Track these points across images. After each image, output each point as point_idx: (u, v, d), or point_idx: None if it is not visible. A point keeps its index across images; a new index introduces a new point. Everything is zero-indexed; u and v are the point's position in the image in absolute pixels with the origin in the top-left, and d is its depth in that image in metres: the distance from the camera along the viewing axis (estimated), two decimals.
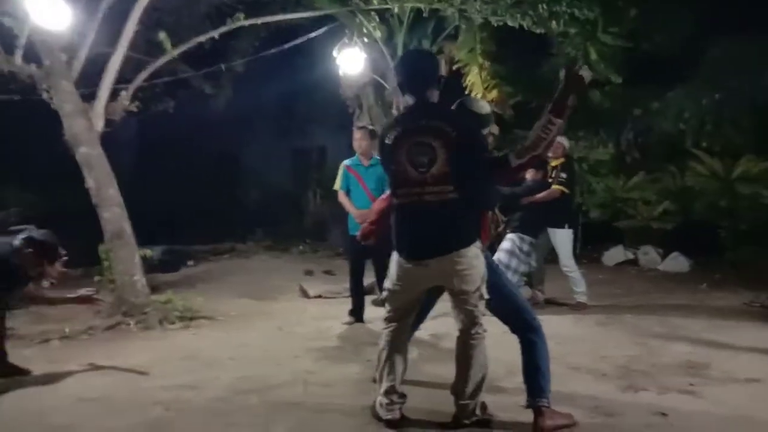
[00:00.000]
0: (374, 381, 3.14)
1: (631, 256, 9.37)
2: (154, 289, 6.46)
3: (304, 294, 7.38)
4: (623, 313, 5.70)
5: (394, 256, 2.90)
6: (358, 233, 3.72)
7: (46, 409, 3.33)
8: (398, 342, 2.99)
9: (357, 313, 5.60)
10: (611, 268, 9.13)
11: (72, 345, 4.98)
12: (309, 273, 9.16)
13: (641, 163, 10.15)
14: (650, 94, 9.60)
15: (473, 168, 2.71)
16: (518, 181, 5.35)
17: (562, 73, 2.77)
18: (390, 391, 2.95)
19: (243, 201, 15.07)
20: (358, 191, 5.52)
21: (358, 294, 5.66)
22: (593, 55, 7.10)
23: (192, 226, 12.87)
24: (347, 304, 5.73)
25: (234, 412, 3.27)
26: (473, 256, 2.76)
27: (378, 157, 5.76)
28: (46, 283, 3.99)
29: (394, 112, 10.06)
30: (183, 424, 3.11)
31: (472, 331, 2.85)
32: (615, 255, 9.51)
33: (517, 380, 3.35)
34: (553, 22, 6.40)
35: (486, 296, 2.81)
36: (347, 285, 5.97)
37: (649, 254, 9.15)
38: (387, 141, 2.81)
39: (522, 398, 3.04)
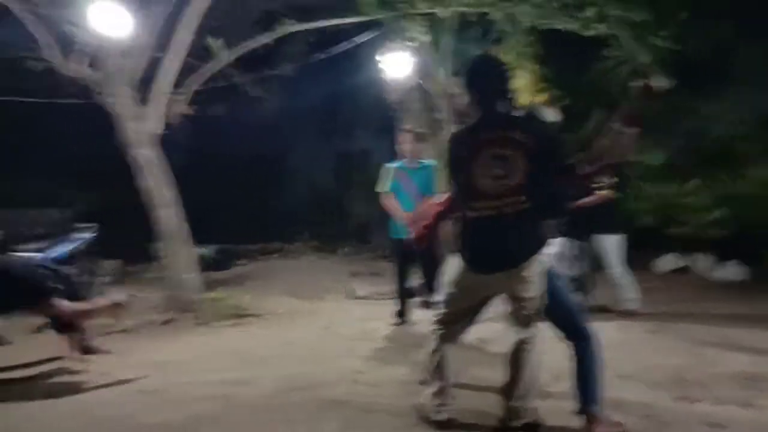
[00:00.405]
0: (422, 383, 3.16)
1: (683, 263, 9.10)
2: (206, 286, 6.66)
3: (350, 295, 7.47)
4: (675, 321, 5.54)
5: (458, 264, 2.85)
6: (411, 237, 3.72)
7: (108, 400, 3.50)
8: (450, 344, 2.98)
9: (403, 315, 5.63)
10: (662, 276, 8.89)
11: (130, 338, 5.20)
12: (355, 274, 9.26)
13: (695, 168, 9.83)
14: (704, 97, 9.31)
15: (548, 177, 2.67)
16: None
17: (636, 83, 2.72)
18: (440, 393, 2.95)
19: (290, 202, 15.33)
20: (404, 194, 5.55)
21: (404, 296, 5.69)
22: (644, 59, 6.95)
23: (241, 226, 13.20)
24: (393, 306, 5.77)
25: (285, 408, 3.34)
26: (540, 262, 2.76)
27: (424, 161, 5.80)
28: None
29: (438, 116, 10.08)
30: (236, 418, 3.20)
31: (528, 336, 2.83)
32: (666, 262, 9.26)
33: (565, 385, 3.32)
34: (603, 26, 6.29)
35: (545, 301, 2.79)
36: (393, 287, 6.02)
37: (702, 262, 8.87)
38: (462, 153, 2.72)
39: (570, 404, 3.01)
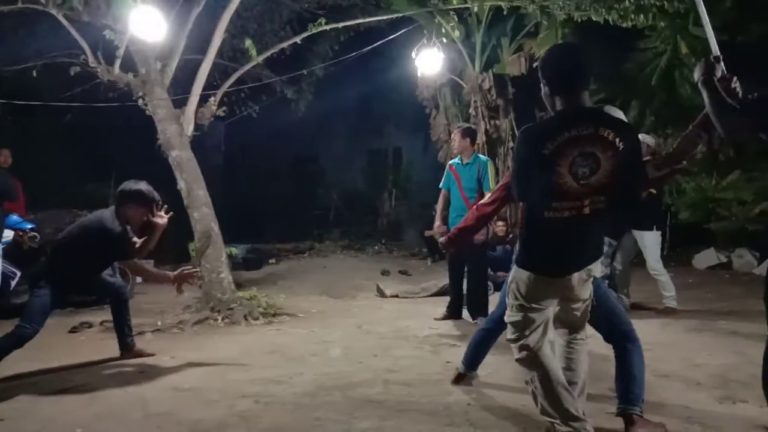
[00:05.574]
0: (543, 414, 2.66)
1: (723, 259, 8.87)
2: (239, 286, 6.74)
3: (381, 293, 7.48)
4: (717, 319, 5.39)
5: (522, 274, 2.62)
6: (442, 239, 3.68)
7: (148, 398, 3.55)
8: (552, 363, 2.66)
9: (454, 309, 5.66)
10: (702, 272, 8.67)
11: (164, 337, 5.28)
12: (385, 273, 9.28)
13: (736, 161, 9.57)
14: (746, 88, 9.01)
15: (629, 178, 2.49)
16: None
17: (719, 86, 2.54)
18: (568, 417, 2.55)
19: (321, 201, 15.44)
20: (455, 191, 5.60)
21: (456, 290, 5.72)
22: (684, 50, 6.76)
23: (273, 225, 13.35)
24: (424, 304, 5.79)
25: (319, 407, 3.35)
26: (598, 263, 2.67)
27: (480, 155, 5.82)
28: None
29: (471, 111, 10.00)
30: (272, 417, 3.21)
31: (579, 337, 2.77)
32: (706, 258, 9.04)
33: (603, 386, 3.26)
34: (641, 16, 6.14)
35: (595, 302, 2.70)
36: (423, 285, 6.03)
37: (743, 257, 8.63)
38: (545, 151, 2.44)
39: (607, 405, 2.95)
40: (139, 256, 4.32)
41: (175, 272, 4.42)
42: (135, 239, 4.24)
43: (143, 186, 4.21)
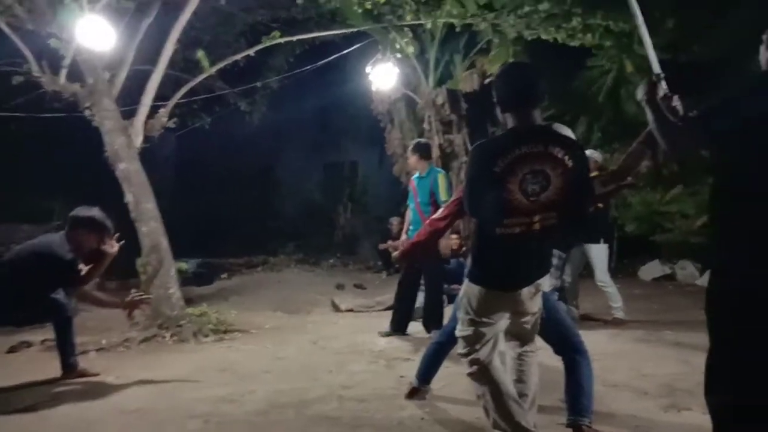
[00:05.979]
0: (495, 427, 2.68)
1: (668, 270, 9.18)
2: (189, 301, 6.57)
3: (336, 308, 7.42)
4: (662, 329, 5.56)
5: (474, 289, 2.64)
6: (397, 253, 3.70)
7: (92, 421, 3.40)
8: (503, 376, 2.67)
9: (399, 324, 5.64)
10: (648, 283, 8.94)
11: (109, 356, 5.08)
12: (340, 287, 9.22)
13: (679, 175, 9.94)
14: (689, 105, 9.40)
15: (578, 194, 2.53)
16: None
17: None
18: (519, 430, 2.58)
19: (276, 214, 15.25)
20: (413, 205, 5.62)
21: (406, 305, 5.70)
22: (629, 68, 7.02)
23: (226, 239, 13.09)
24: (379, 318, 5.76)
25: (271, 425, 3.28)
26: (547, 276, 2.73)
27: (435, 168, 5.85)
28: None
29: (426, 126, 10.10)
30: None
31: (529, 349, 2.81)
32: (651, 270, 9.33)
33: (554, 398, 3.30)
34: (588, 35, 6.36)
35: (544, 315, 2.75)
36: (378, 299, 6.01)
37: (687, 269, 8.95)
38: (496, 168, 2.44)
39: (558, 417, 2.99)
40: (85, 284, 4.22)
41: (126, 299, 4.33)
42: (81, 266, 4.12)
43: (96, 212, 4.16)
